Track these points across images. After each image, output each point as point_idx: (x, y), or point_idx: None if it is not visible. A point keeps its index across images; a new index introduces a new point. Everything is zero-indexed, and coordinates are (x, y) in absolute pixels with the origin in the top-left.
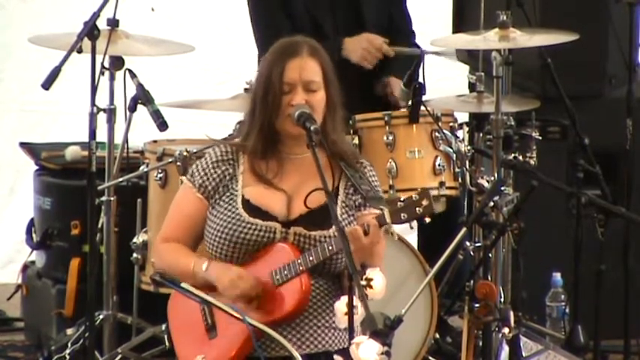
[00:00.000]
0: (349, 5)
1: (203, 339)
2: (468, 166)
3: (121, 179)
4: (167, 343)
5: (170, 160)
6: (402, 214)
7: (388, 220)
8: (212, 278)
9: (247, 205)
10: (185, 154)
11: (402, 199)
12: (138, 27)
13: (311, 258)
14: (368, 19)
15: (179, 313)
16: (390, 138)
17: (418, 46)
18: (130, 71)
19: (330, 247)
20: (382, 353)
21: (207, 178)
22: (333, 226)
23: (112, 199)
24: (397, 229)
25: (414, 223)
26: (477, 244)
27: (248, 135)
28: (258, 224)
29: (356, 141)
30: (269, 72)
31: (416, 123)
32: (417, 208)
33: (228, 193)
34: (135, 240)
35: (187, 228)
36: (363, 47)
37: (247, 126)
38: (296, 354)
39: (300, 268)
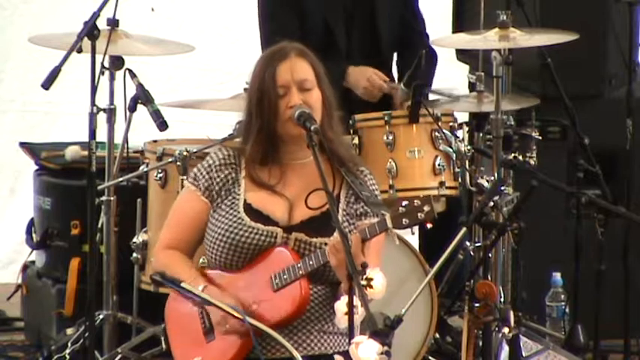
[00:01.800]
0: (365, 21)
1: (200, 341)
2: (467, 166)
3: (121, 179)
4: (164, 345)
5: (170, 160)
6: (404, 220)
7: (390, 225)
8: None
9: (249, 209)
10: (185, 154)
11: (403, 205)
12: (138, 27)
13: (311, 262)
14: (383, 34)
15: (177, 316)
16: (390, 138)
17: (432, 49)
18: (130, 71)
19: None
20: (382, 353)
21: (212, 182)
22: (334, 234)
23: (111, 198)
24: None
25: (415, 229)
26: (477, 244)
27: (246, 140)
28: (259, 228)
29: (356, 141)
30: (261, 78)
31: (416, 123)
32: (419, 214)
33: (230, 197)
34: (135, 240)
35: (190, 232)
36: (367, 77)
37: (245, 131)
38: (296, 354)
39: (300, 272)
